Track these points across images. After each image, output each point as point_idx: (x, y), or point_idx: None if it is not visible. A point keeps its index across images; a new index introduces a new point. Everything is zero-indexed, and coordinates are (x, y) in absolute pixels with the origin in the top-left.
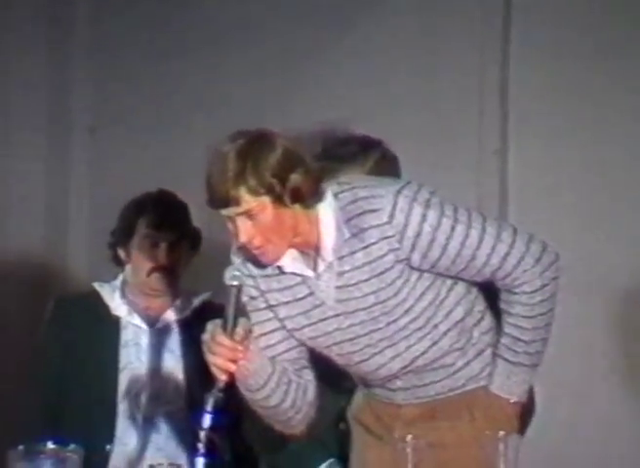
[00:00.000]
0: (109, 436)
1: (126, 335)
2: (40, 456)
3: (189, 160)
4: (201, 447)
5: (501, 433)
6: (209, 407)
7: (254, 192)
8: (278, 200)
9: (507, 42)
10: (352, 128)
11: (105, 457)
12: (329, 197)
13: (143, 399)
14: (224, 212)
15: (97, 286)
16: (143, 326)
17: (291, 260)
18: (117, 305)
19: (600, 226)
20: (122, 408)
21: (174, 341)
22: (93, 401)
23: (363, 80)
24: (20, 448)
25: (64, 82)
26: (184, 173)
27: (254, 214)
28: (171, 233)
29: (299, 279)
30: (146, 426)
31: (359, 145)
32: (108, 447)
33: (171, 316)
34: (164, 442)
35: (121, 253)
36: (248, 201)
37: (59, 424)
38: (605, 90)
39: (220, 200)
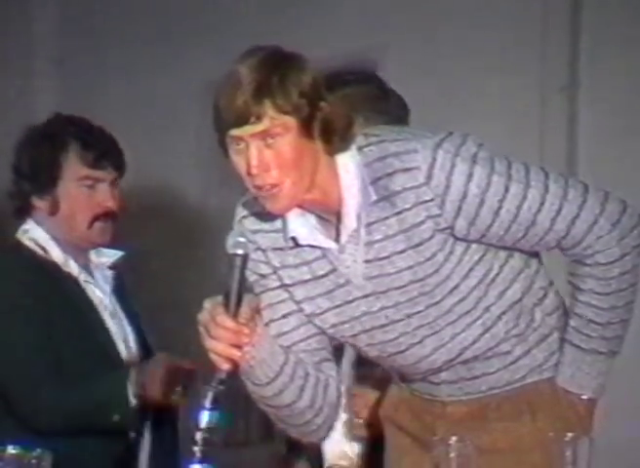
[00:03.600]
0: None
1: (94, 299)
2: None
3: (170, 95)
4: (197, 450)
5: (569, 435)
6: (207, 402)
7: (279, 109)
8: (305, 126)
9: None
10: (385, 57)
11: (131, 448)
12: (352, 150)
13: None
14: (237, 131)
15: (25, 239)
16: (97, 288)
17: (307, 229)
18: (65, 261)
19: None
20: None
21: (117, 307)
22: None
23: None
24: None
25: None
26: (162, 110)
27: (273, 138)
28: (111, 168)
29: (318, 253)
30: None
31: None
32: (133, 435)
33: (105, 276)
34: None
35: (40, 203)
36: (272, 117)
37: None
38: None
39: (236, 115)
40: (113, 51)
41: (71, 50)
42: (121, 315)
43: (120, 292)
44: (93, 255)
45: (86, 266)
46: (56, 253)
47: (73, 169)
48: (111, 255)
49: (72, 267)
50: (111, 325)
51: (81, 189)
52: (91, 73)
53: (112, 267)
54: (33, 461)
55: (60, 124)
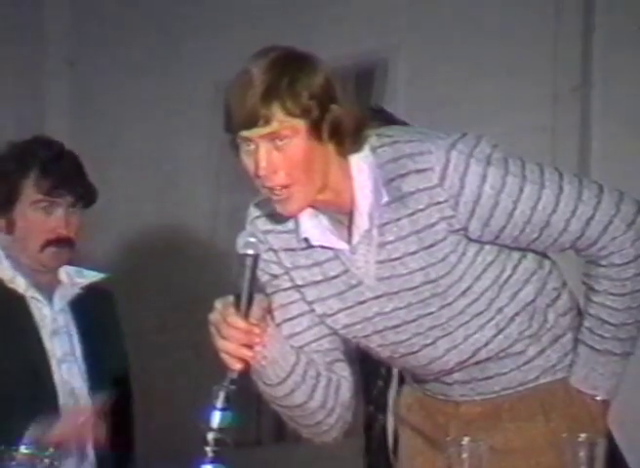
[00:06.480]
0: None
1: (37, 316)
2: (11, 463)
3: (181, 97)
4: (209, 451)
5: (583, 436)
6: (219, 402)
7: (288, 112)
8: (314, 128)
9: None
10: (395, 58)
11: None
12: (366, 151)
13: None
14: (246, 133)
15: None
16: (45, 306)
17: (320, 230)
18: (12, 277)
19: None
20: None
21: (70, 324)
22: (28, 404)
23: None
24: None
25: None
26: (174, 111)
27: (282, 140)
28: (69, 195)
29: (330, 253)
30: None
31: None
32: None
33: (64, 294)
34: None
35: None
36: (280, 120)
37: None
38: None
39: (245, 117)
40: (125, 52)
41: (84, 51)
42: (72, 334)
43: (84, 311)
44: (64, 275)
45: (45, 284)
46: (4, 269)
47: (30, 194)
48: (90, 277)
49: (19, 284)
50: (50, 344)
51: (36, 213)
52: (103, 75)
53: (88, 288)
54: (46, 461)
55: (33, 147)
